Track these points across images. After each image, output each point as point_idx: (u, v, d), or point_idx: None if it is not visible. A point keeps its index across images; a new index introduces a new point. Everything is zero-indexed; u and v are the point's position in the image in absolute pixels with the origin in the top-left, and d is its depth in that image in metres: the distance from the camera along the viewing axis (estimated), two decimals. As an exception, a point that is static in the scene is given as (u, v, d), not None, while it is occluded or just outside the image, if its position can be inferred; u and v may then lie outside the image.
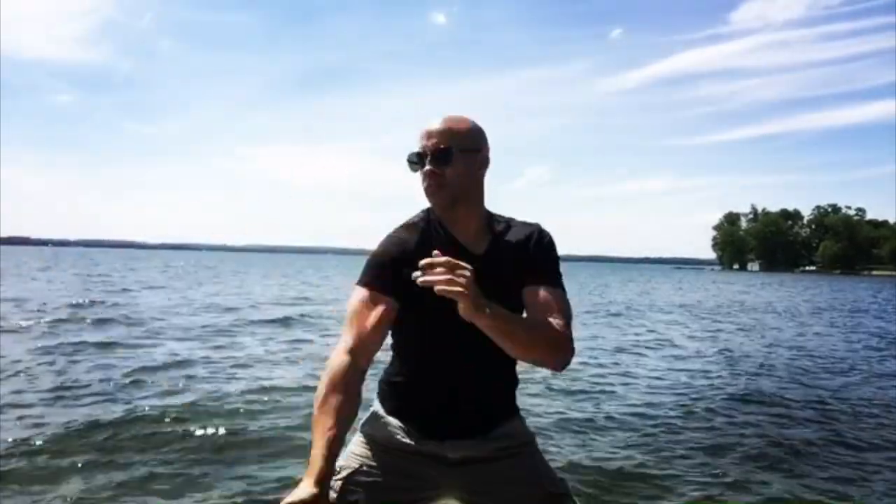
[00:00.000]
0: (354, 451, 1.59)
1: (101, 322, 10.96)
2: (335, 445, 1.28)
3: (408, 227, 1.59)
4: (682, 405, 6.06)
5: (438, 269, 1.25)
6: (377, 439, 1.59)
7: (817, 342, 11.77)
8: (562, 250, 1.63)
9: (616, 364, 8.53)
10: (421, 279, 1.25)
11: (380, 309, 1.45)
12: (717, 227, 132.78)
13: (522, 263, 1.54)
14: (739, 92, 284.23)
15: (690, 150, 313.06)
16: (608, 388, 6.82)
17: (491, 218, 1.61)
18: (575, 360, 1.50)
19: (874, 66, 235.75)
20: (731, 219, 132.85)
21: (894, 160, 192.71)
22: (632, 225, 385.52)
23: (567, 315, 1.48)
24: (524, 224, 1.61)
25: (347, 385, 1.36)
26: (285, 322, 12.07)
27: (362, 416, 1.58)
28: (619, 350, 9.88)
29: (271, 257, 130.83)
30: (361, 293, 1.48)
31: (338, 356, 1.40)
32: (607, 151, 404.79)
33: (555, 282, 1.53)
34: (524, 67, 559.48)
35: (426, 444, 1.55)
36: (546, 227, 1.62)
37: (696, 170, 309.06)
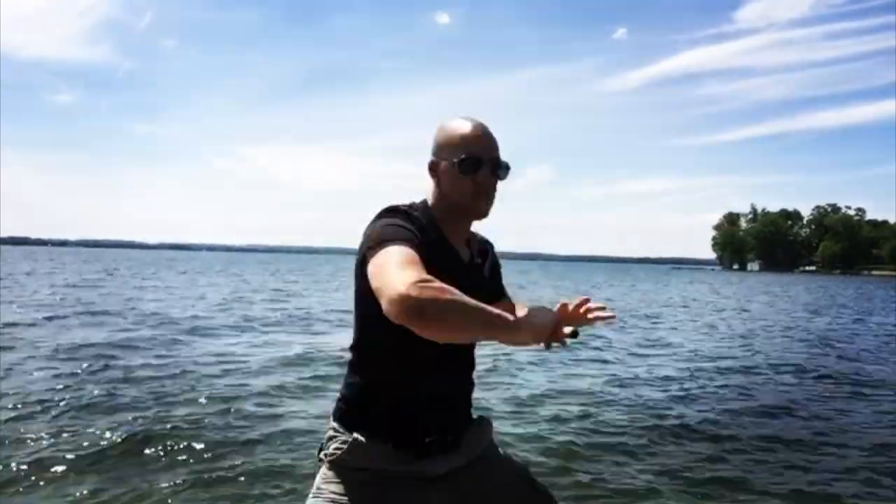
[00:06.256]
0: (327, 489, 1.41)
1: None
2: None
3: (407, 216, 1.40)
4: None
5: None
6: (349, 467, 1.42)
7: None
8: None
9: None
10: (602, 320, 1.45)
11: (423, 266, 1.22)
12: (717, 227, 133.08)
13: (494, 278, 1.66)
14: (742, 91, 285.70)
15: (692, 150, 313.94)
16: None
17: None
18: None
19: (876, 66, 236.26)
20: (731, 219, 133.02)
21: (894, 160, 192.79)
22: (632, 225, 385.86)
23: None
24: (482, 238, 1.65)
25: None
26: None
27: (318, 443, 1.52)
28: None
29: (274, 257, 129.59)
30: (406, 247, 1.24)
31: (417, 277, 1.13)
32: (609, 151, 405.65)
33: (506, 295, 1.69)
34: (527, 67, 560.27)
35: (405, 463, 1.42)
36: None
37: (697, 170, 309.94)
